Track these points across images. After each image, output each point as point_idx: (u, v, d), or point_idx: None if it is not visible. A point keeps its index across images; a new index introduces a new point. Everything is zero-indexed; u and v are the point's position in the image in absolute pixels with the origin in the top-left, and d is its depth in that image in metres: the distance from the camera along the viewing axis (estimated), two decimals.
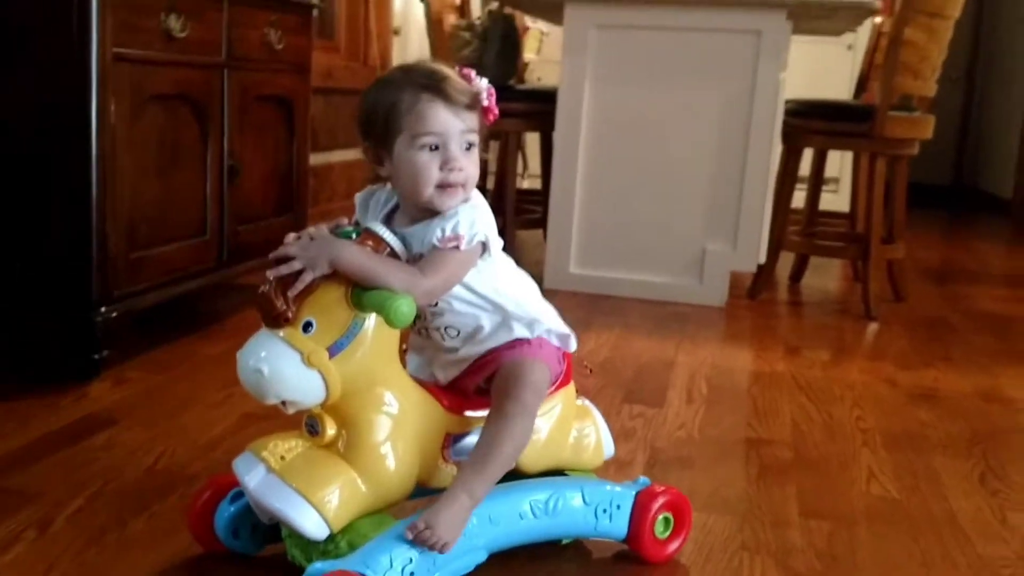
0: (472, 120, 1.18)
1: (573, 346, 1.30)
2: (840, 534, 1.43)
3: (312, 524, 1.10)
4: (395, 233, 1.17)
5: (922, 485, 1.64)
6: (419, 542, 1.10)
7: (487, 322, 1.23)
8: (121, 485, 1.45)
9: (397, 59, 4.34)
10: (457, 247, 1.15)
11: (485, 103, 1.19)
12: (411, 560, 1.09)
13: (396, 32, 4.58)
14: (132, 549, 1.26)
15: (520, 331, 1.24)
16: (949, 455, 1.79)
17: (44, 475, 1.47)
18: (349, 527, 1.13)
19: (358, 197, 1.27)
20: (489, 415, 1.19)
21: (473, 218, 1.16)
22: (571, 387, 1.34)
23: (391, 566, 1.08)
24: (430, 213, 1.18)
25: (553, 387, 1.29)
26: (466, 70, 1.21)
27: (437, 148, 1.16)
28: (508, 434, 1.16)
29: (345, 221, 1.19)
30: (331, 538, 1.12)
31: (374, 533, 1.11)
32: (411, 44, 4.67)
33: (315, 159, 3.46)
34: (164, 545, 1.27)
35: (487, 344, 1.23)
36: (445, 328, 1.23)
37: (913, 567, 1.34)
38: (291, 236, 1.14)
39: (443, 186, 1.16)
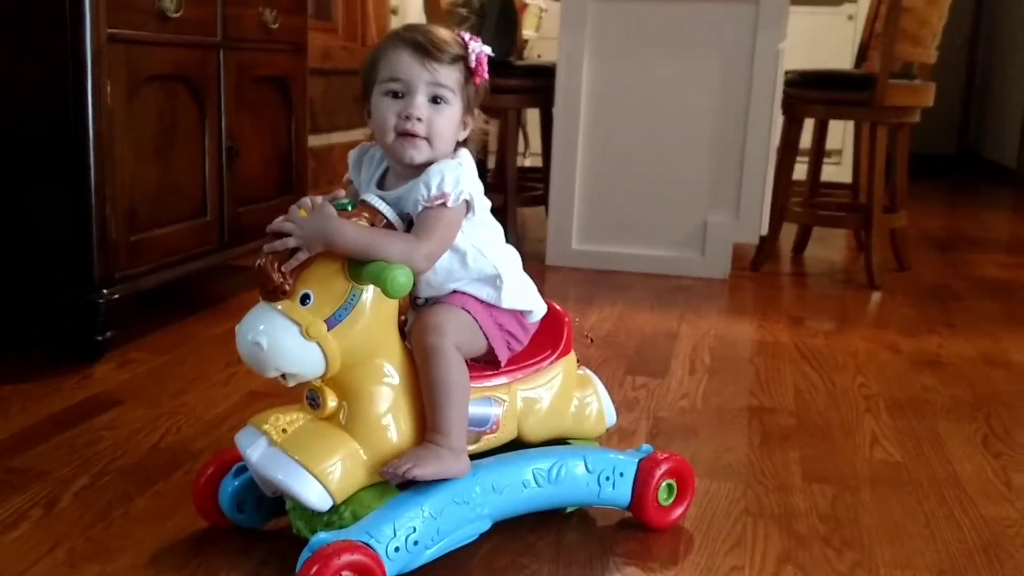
0: (446, 74, 1.17)
1: (534, 319, 1.28)
2: (844, 498, 1.43)
3: (315, 495, 1.10)
4: (387, 196, 1.17)
5: (926, 449, 1.64)
6: (390, 474, 1.11)
7: (453, 283, 1.21)
8: (126, 463, 1.46)
9: None
10: (444, 204, 1.14)
11: (472, 64, 1.18)
12: (414, 529, 1.10)
13: (394, 11, 4.56)
14: (138, 524, 1.27)
15: (479, 291, 1.22)
16: (952, 419, 1.79)
17: (49, 454, 1.47)
18: (352, 498, 1.13)
19: (352, 154, 1.27)
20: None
21: (458, 176, 1.15)
22: (572, 356, 1.34)
23: (394, 535, 1.08)
24: (417, 172, 1.17)
25: (553, 357, 1.29)
26: (464, 34, 1.20)
27: (402, 96, 1.16)
28: (436, 379, 1.14)
29: (342, 193, 1.18)
30: (334, 509, 1.12)
31: (377, 503, 1.11)
32: (409, 23, 4.65)
33: (315, 141, 3.46)
34: (170, 520, 1.28)
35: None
36: (425, 300, 1.23)
37: (917, 528, 1.35)
38: (294, 209, 1.13)
39: (401, 134, 1.16)
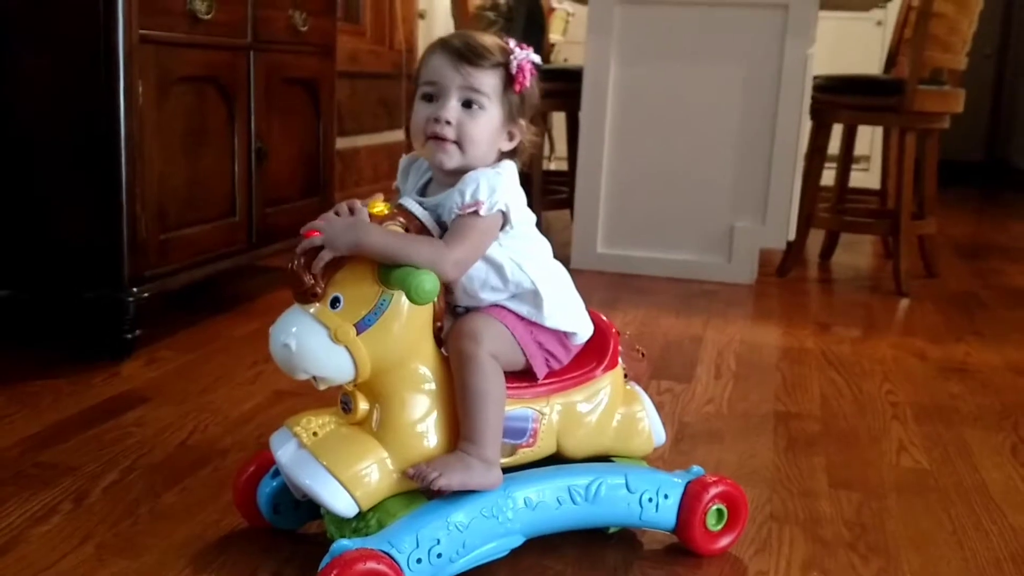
0: (480, 79, 1.14)
1: (579, 341, 1.25)
2: (870, 504, 1.42)
3: (340, 502, 1.09)
4: (425, 202, 1.16)
5: (953, 457, 1.62)
6: (415, 476, 1.09)
7: (489, 293, 1.18)
8: (154, 459, 1.47)
9: (423, 43, 4.34)
10: (476, 212, 1.12)
11: (513, 70, 1.15)
12: (438, 541, 1.08)
13: (421, 15, 4.58)
14: (165, 520, 1.28)
15: (518, 307, 1.19)
16: (980, 427, 1.77)
17: (79, 450, 1.49)
18: (379, 505, 1.11)
19: (401, 162, 1.26)
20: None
21: (494, 184, 1.13)
22: (618, 371, 1.28)
23: (417, 546, 1.06)
24: (457, 179, 1.15)
25: (598, 370, 1.25)
26: (509, 39, 1.18)
27: (435, 100, 1.16)
28: (470, 387, 1.12)
29: (381, 197, 1.17)
30: (361, 516, 1.11)
31: (403, 512, 1.10)
32: (437, 27, 4.67)
33: (342, 143, 3.48)
34: (197, 516, 1.29)
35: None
36: (466, 308, 1.22)
37: (943, 536, 1.34)
38: (330, 212, 1.12)
39: (431, 137, 1.15)
